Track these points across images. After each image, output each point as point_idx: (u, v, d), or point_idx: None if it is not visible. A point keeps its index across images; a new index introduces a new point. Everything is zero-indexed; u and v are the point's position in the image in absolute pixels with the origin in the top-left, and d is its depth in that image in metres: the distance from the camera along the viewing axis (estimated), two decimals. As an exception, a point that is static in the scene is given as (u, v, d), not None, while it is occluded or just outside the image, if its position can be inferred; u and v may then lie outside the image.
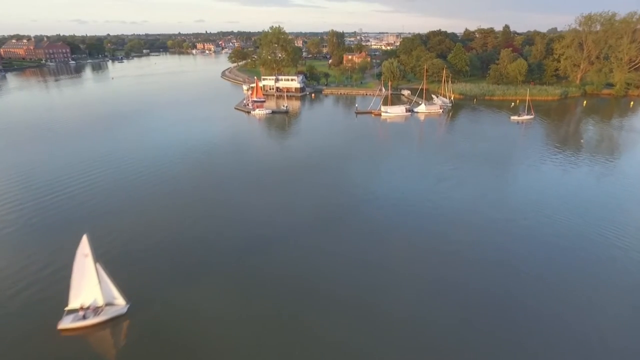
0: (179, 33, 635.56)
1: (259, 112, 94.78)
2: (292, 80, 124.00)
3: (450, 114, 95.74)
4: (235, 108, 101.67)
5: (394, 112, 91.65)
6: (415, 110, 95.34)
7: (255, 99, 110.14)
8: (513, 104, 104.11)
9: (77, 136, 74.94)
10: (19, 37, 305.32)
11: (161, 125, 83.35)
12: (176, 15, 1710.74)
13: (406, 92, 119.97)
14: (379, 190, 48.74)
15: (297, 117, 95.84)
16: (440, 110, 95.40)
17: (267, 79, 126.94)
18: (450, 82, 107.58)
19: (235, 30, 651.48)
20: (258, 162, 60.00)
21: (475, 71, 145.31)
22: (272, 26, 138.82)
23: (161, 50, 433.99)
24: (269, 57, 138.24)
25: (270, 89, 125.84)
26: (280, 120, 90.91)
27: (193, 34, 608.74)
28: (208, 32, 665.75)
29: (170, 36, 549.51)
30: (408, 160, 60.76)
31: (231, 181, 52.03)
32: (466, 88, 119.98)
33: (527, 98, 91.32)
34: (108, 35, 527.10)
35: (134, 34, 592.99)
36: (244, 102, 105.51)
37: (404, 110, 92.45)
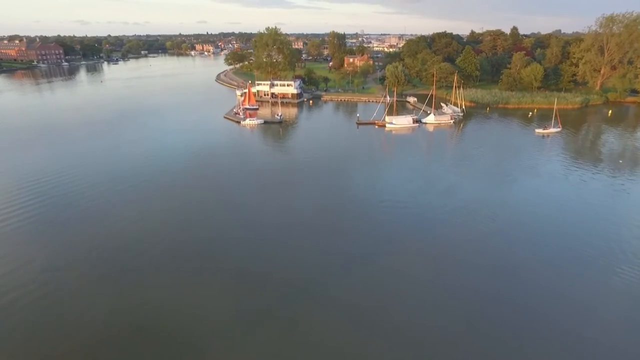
0: (180, 34, 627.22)
1: (249, 122, 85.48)
2: (288, 85, 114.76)
3: (462, 125, 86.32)
4: (224, 117, 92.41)
5: (400, 123, 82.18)
6: (424, 120, 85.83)
7: (247, 107, 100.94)
8: (530, 113, 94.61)
9: (28, 149, 66.09)
10: (16, 38, 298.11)
11: (133, 139, 73.76)
12: (178, 17, 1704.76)
13: (412, 100, 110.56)
14: (386, 219, 39.67)
15: (292, 128, 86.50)
16: (452, 121, 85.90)
17: (261, 84, 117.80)
18: (461, 88, 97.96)
19: (237, 32, 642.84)
20: (243, 182, 50.88)
21: (484, 76, 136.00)
22: (268, 27, 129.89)
23: (160, 51, 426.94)
24: (265, 60, 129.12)
25: (264, 95, 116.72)
26: (274, 132, 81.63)
27: (194, 35, 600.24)
28: (209, 33, 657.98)
29: (171, 37, 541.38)
30: (420, 186, 51.38)
31: (205, 209, 42.81)
32: (477, 95, 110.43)
33: (554, 107, 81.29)
34: (109, 36, 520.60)
35: (135, 35, 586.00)
36: (234, 110, 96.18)
37: (411, 121, 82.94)
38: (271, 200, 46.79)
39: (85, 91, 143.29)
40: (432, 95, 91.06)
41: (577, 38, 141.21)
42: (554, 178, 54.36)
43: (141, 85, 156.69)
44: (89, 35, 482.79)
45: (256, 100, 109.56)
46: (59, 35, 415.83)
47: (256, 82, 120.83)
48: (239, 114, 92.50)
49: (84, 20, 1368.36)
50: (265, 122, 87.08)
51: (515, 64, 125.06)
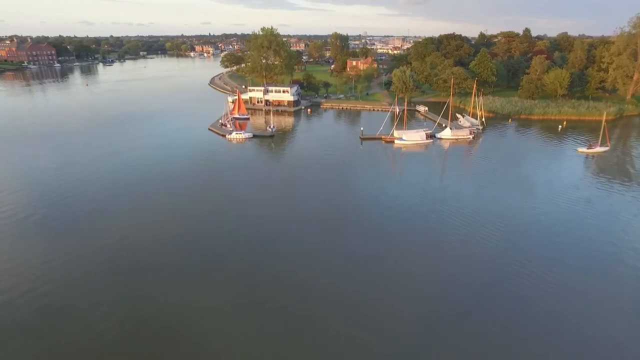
0: (182, 35, 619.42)
1: (236, 136, 73.76)
2: (284, 91, 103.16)
3: (483, 140, 74.41)
4: (209, 129, 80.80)
5: (412, 139, 70.22)
6: (438, 135, 73.87)
7: (237, 116, 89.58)
8: (560, 126, 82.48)
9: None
10: (15, 38, 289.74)
11: (93, 155, 62.25)
12: (183, 18, 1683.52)
13: (422, 109, 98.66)
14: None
15: (285, 143, 74.72)
16: (471, 136, 73.96)
17: (254, 90, 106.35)
18: (481, 96, 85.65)
19: (239, 33, 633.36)
20: (216, 216, 39.33)
21: (499, 81, 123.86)
22: (264, 27, 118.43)
23: (159, 52, 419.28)
24: (260, 64, 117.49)
25: (258, 102, 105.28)
26: (263, 149, 70.02)
27: (196, 36, 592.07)
28: (211, 34, 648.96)
29: (173, 38, 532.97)
30: (444, 225, 39.59)
31: (158, 250, 31.39)
32: (496, 104, 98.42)
33: (603, 119, 68.34)
34: (110, 36, 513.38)
35: (137, 36, 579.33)
36: (221, 120, 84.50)
37: (424, 137, 71.01)
38: (250, 243, 35.35)
39: (63, 95, 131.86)
40: (448, 104, 78.53)
41: (603, 41, 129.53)
42: (620, 222, 42.38)
43: (127, 89, 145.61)
44: (93, 36, 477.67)
45: (248, 109, 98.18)
46: (59, 36, 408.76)
47: (248, 87, 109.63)
48: (225, 125, 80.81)
49: (88, 20, 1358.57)
50: (255, 136, 75.40)
51: (535, 69, 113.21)
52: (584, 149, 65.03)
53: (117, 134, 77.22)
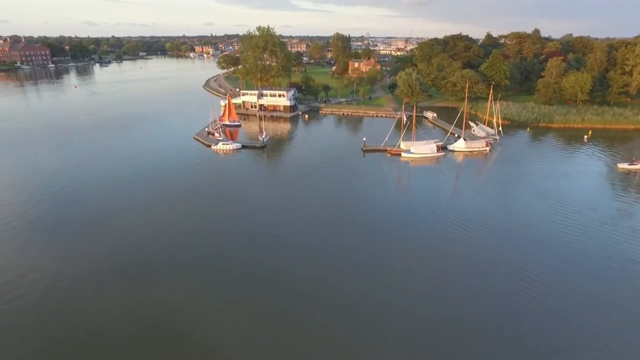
0: (184, 35, 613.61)
1: (223, 147, 65.66)
2: (280, 95, 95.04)
3: (500, 152, 66.02)
4: (194, 137, 72.75)
5: (421, 151, 61.87)
6: (451, 147, 65.56)
7: (227, 123, 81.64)
8: (586, 135, 74.02)
9: None
10: (15, 38, 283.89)
11: (48, 169, 54.31)
12: (186, 18, 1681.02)
13: (430, 115, 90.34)
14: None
15: (277, 155, 66.48)
16: (487, 148, 65.61)
17: (248, 94, 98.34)
18: (497, 102, 76.94)
19: (241, 34, 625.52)
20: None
21: (511, 84, 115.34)
22: (260, 26, 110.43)
23: (159, 53, 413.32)
24: (255, 65, 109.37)
25: (252, 107, 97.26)
26: (252, 162, 61.92)
27: (197, 37, 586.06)
28: (213, 34, 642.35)
29: (175, 39, 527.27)
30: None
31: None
32: (511, 110, 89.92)
33: None
34: (112, 37, 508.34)
35: (139, 36, 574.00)
36: (207, 128, 76.36)
37: (435, 149, 62.72)
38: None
39: (48, 98, 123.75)
40: (461, 112, 69.88)
41: (623, 42, 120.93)
42: None
43: (115, 90, 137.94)
44: (96, 36, 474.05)
45: (241, 114, 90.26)
46: (60, 36, 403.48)
47: (241, 91, 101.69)
48: (213, 134, 72.77)
49: (91, 21, 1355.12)
50: (244, 147, 67.27)
51: (551, 72, 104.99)
52: (624, 165, 56.28)
53: (87, 142, 69.38)
